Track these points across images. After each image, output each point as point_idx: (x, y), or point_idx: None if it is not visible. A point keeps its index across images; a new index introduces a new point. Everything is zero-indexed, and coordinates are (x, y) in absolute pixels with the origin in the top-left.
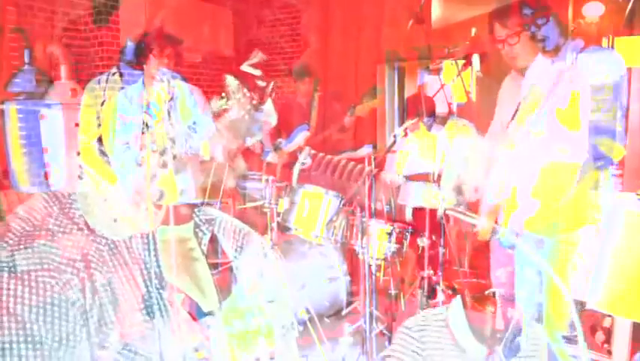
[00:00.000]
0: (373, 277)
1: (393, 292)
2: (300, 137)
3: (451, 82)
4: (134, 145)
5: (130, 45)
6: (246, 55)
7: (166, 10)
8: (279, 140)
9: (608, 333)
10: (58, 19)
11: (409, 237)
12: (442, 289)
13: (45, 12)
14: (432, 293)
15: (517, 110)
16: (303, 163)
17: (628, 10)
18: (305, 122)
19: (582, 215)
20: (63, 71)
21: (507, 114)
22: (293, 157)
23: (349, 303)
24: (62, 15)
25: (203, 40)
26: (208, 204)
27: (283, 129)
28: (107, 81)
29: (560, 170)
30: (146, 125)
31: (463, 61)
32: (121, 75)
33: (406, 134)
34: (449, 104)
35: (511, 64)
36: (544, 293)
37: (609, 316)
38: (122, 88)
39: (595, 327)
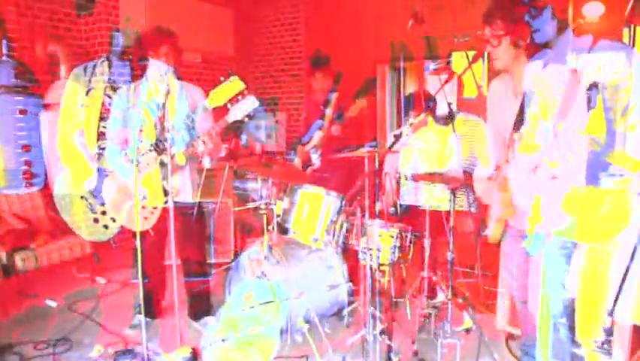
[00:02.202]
0: (377, 284)
1: (398, 300)
2: (316, 136)
3: (457, 76)
4: (121, 141)
5: (117, 36)
6: (246, 55)
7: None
8: (296, 139)
9: (608, 333)
10: (58, 18)
11: (414, 241)
12: (450, 298)
13: (45, 12)
14: (433, 293)
15: (517, 120)
16: (312, 164)
17: (628, 9)
18: (320, 119)
19: (622, 221)
20: (63, 70)
21: (500, 119)
22: (308, 157)
23: (350, 302)
24: (64, 15)
25: (203, 40)
26: (201, 203)
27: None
28: (94, 69)
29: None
30: (145, 122)
31: (474, 52)
32: (109, 64)
33: (413, 131)
34: (449, 104)
35: (492, 64)
36: (578, 298)
37: (609, 315)
38: (110, 78)
39: None
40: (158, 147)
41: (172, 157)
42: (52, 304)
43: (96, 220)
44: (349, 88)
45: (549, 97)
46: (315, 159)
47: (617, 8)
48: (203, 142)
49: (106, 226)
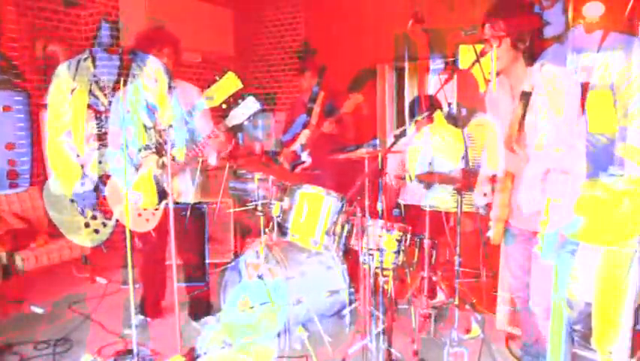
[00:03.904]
0: (380, 289)
1: (402, 306)
2: (303, 135)
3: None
4: (115, 142)
5: (105, 27)
6: (246, 55)
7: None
8: (279, 140)
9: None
10: (58, 18)
11: (420, 244)
12: (457, 304)
13: (45, 12)
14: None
15: (518, 121)
16: (303, 162)
17: (628, 9)
18: (306, 116)
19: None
20: (66, 76)
21: (499, 121)
22: (295, 156)
23: (350, 302)
24: (64, 15)
25: (203, 40)
26: (199, 204)
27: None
28: (77, 67)
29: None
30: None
31: (482, 45)
32: (93, 60)
33: (417, 129)
34: (449, 104)
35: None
36: (595, 303)
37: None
38: (95, 75)
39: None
40: (158, 148)
41: (172, 158)
42: (39, 310)
43: (87, 225)
44: (346, 87)
45: (555, 96)
46: (305, 156)
47: (617, 8)
48: (216, 136)
49: (97, 231)
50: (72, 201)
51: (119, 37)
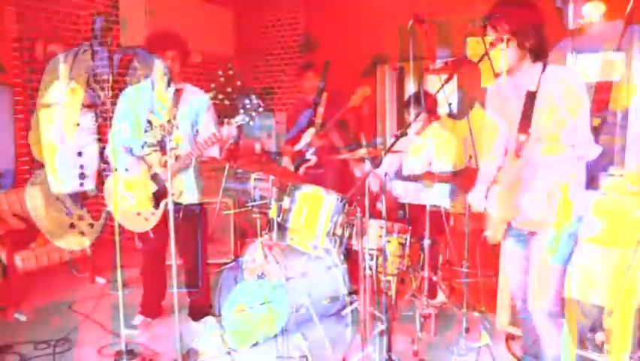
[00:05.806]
0: (384, 295)
1: (407, 313)
2: (308, 133)
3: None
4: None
5: (99, 22)
6: (246, 55)
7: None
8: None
9: (609, 333)
10: (59, 19)
11: (426, 249)
12: (464, 310)
13: (45, 12)
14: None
15: (523, 121)
16: (307, 160)
17: (628, 9)
18: (311, 113)
19: None
20: (62, 70)
21: (501, 120)
22: (299, 154)
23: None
24: (64, 15)
25: (203, 40)
26: (192, 205)
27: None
28: (74, 60)
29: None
30: (150, 123)
31: (492, 37)
32: (92, 53)
33: (422, 128)
34: (449, 105)
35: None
36: (610, 308)
37: (609, 316)
38: (92, 69)
39: (595, 327)
40: (162, 145)
41: (176, 157)
42: (22, 318)
43: (72, 225)
44: (349, 88)
45: (566, 96)
46: (310, 154)
47: (617, 8)
48: (218, 139)
49: (82, 233)
50: (57, 200)
51: (119, 36)
